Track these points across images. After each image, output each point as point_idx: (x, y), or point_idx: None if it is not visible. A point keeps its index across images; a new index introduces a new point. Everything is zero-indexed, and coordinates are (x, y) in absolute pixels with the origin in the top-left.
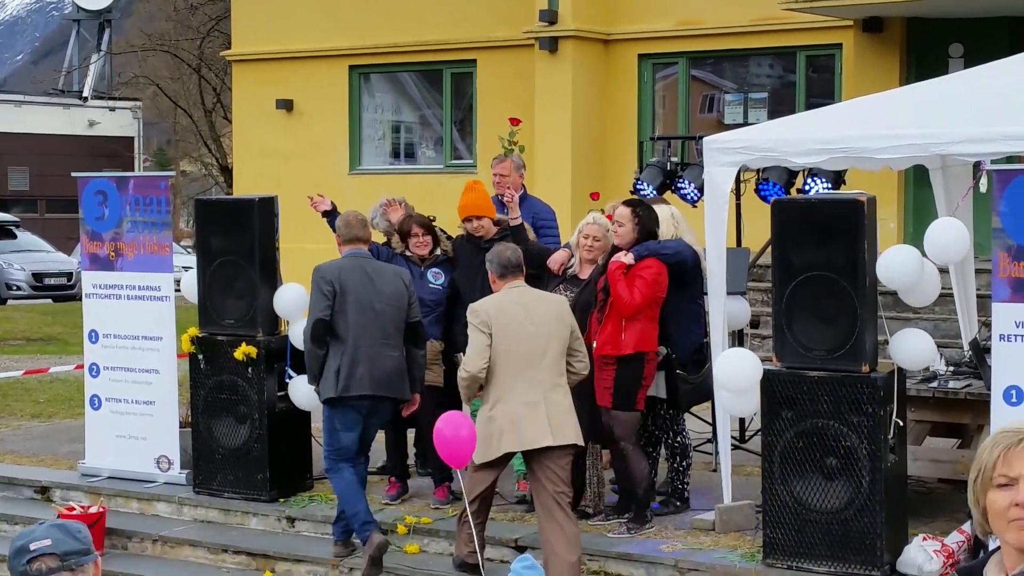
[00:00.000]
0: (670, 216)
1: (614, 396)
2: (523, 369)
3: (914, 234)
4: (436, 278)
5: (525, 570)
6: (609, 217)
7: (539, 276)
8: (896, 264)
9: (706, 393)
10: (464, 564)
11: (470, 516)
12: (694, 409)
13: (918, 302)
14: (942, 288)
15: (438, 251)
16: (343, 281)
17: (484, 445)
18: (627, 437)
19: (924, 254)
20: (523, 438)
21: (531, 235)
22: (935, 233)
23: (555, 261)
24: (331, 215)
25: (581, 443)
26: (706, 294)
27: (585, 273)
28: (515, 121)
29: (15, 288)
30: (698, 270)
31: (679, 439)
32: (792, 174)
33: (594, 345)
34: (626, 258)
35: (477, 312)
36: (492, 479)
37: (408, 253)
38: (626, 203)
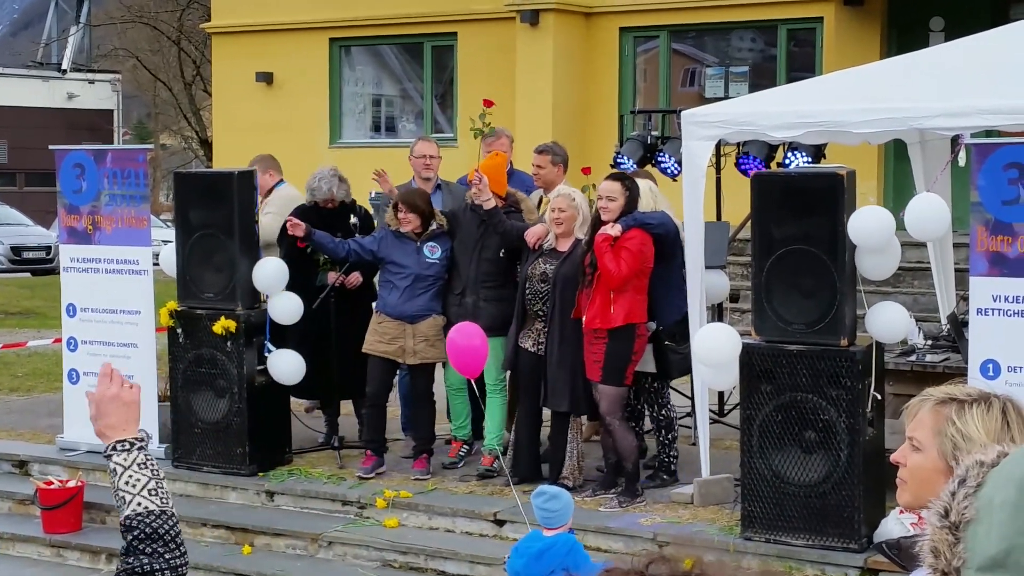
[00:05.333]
0: (648, 190)
1: (603, 370)
2: None
3: (894, 209)
4: (432, 252)
5: (546, 502)
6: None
7: (520, 250)
8: (866, 223)
9: None
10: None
11: None
12: (674, 383)
13: (879, 275)
14: (921, 262)
15: (433, 225)
16: None
17: None
18: (614, 412)
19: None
20: None
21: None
22: (916, 209)
23: (532, 235)
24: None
25: None
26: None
27: (563, 246)
28: (488, 103)
29: None
30: (679, 241)
31: (664, 412)
32: (772, 148)
33: (583, 320)
34: (612, 230)
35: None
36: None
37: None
38: (614, 177)
